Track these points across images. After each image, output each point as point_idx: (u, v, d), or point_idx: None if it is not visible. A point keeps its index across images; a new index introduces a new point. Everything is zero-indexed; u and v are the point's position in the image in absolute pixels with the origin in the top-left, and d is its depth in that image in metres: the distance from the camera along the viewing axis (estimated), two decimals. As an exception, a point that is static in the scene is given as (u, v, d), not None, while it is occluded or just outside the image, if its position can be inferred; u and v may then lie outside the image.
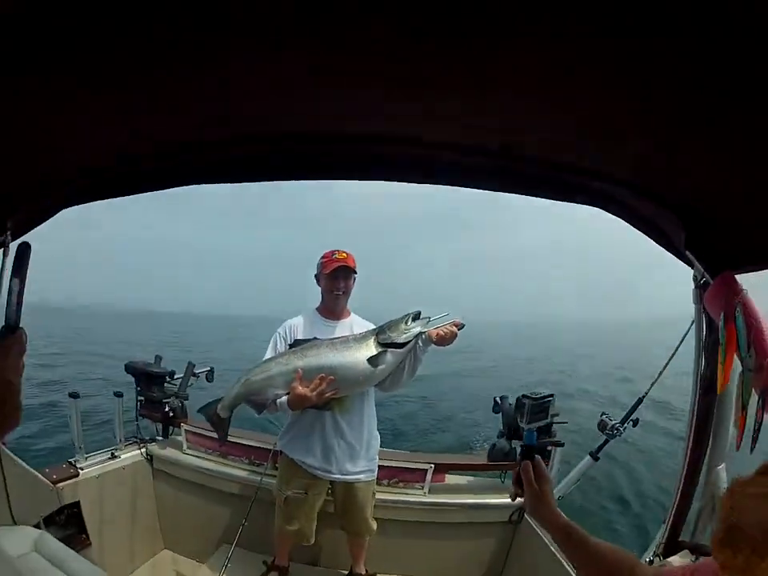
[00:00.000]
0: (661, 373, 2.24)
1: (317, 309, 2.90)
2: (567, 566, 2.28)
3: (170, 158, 1.33)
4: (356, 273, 2.77)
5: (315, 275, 2.83)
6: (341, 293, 2.75)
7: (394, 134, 1.18)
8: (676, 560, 1.75)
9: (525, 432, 1.58)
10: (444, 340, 2.49)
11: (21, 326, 0.76)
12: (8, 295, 0.74)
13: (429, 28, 0.70)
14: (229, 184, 1.53)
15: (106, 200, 1.61)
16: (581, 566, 1.27)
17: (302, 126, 1.16)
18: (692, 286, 1.58)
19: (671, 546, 1.82)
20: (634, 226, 1.45)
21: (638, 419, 2.64)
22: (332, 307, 2.82)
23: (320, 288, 2.84)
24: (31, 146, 1.09)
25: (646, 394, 2.51)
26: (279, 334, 2.83)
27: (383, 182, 1.48)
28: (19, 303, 0.75)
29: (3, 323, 0.74)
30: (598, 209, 1.42)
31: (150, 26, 0.73)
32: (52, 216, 1.61)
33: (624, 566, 1.15)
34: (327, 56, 0.82)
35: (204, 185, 1.56)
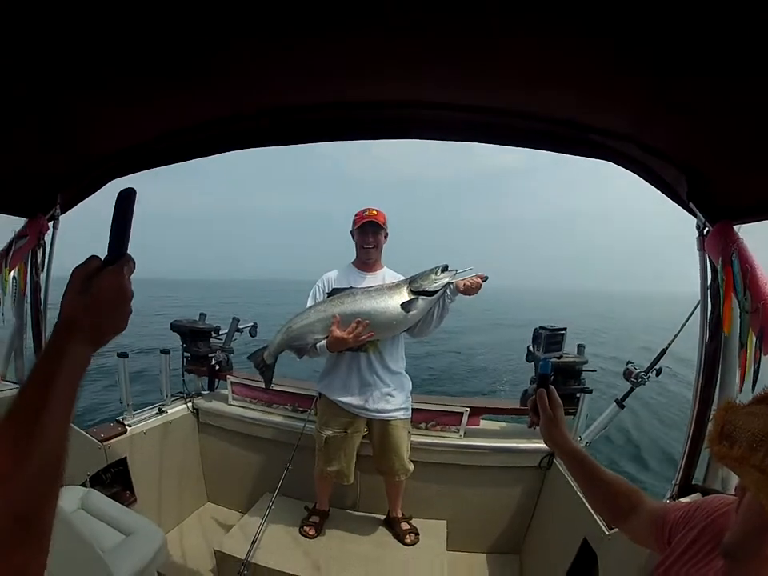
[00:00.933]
0: (683, 325, 2.28)
1: (352, 263, 3.05)
2: (595, 513, 2.36)
3: (204, 131, 1.46)
4: (384, 228, 2.91)
5: (351, 232, 2.97)
6: (371, 246, 2.90)
7: (420, 98, 1.29)
8: (679, 502, 1.81)
9: (540, 362, 1.66)
10: (470, 290, 2.63)
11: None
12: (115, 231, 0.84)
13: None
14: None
15: (148, 170, 1.75)
16: (589, 491, 1.35)
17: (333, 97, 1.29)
18: (696, 234, 1.65)
19: (684, 489, 1.88)
20: (643, 178, 1.54)
21: (661, 368, 2.70)
22: (365, 260, 2.97)
23: (354, 243, 2.99)
24: (79, 127, 1.21)
25: (670, 344, 2.54)
26: (318, 285, 3.01)
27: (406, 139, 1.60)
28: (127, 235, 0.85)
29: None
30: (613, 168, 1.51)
31: (192, 34, 0.86)
32: (99, 188, 1.75)
33: (630, 496, 1.24)
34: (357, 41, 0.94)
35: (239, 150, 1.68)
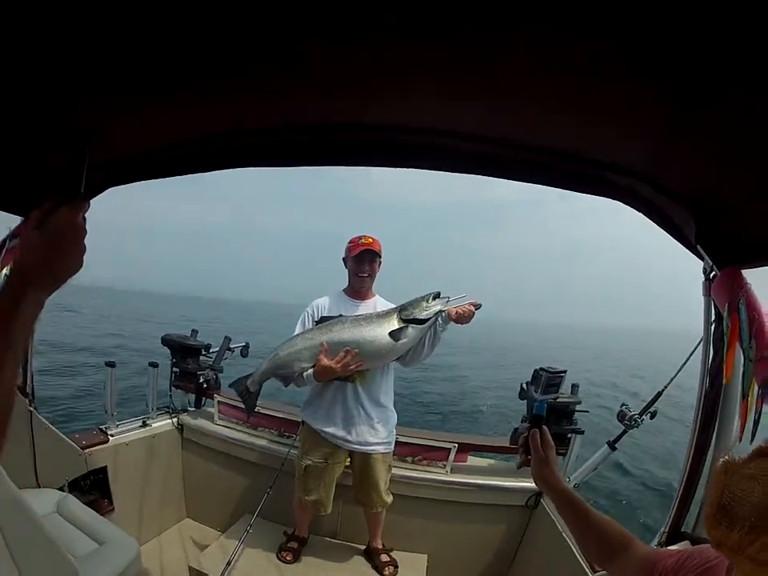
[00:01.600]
0: (680, 368, 2.26)
1: (343, 290, 3.03)
2: (579, 555, 2.32)
3: (208, 144, 1.44)
4: (380, 257, 2.89)
5: (343, 258, 2.96)
6: (366, 275, 2.88)
7: (429, 126, 1.26)
8: (671, 549, 1.78)
9: (536, 402, 1.64)
10: (462, 318, 2.61)
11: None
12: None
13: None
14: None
15: (147, 180, 1.73)
16: (580, 534, 1.31)
17: (332, 118, 1.26)
18: (702, 278, 1.62)
19: (673, 536, 1.85)
20: (650, 219, 1.50)
21: (656, 411, 2.67)
22: (357, 288, 2.95)
23: (347, 270, 2.96)
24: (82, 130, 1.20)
25: (665, 387, 2.52)
26: (307, 312, 2.98)
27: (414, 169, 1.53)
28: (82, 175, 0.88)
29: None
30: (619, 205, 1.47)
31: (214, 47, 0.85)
32: (98, 194, 1.74)
33: (620, 539, 1.20)
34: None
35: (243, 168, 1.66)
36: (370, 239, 2.86)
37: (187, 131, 1.36)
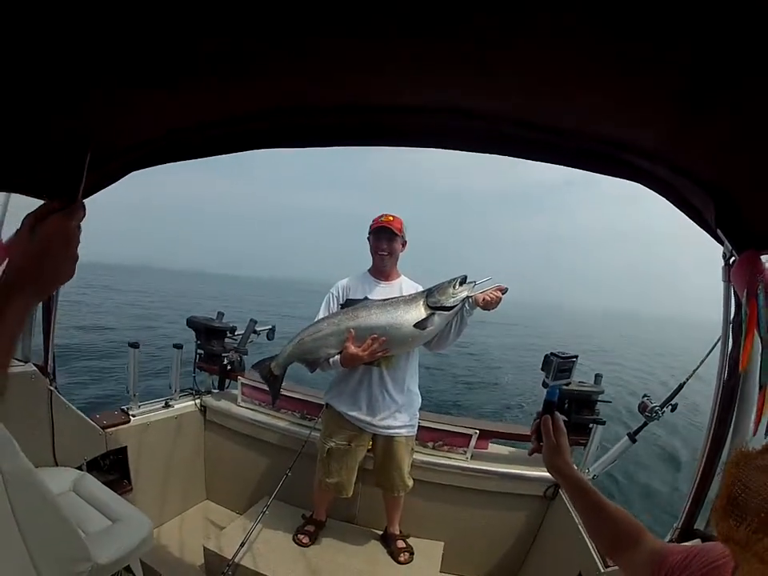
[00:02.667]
0: (703, 360, 2.21)
1: (368, 270, 3.00)
2: (593, 549, 2.30)
3: (230, 126, 1.44)
4: (401, 236, 2.85)
5: (367, 237, 2.93)
6: (385, 254, 2.84)
7: (445, 103, 1.22)
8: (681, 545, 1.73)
9: (548, 388, 1.61)
10: (489, 304, 2.55)
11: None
12: None
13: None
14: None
15: (167, 164, 1.74)
16: (590, 522, 1.29)
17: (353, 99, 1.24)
18: (721, 263, 1.57)
19: (686, 533, 1.81)
20: (670, 201, 1.46)
21: (677, 404, 2.63)
22: (380, 268, 2.92)
23: (370, 248, 2.94)
24: (105, 114, 1.21)
25: (687, 379, 2.49)
26: (332, 293, 2.95)
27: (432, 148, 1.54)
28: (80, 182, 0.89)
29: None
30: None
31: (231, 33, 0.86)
32: (120, 178, 1.75)
33: (631, 531, 1.17)
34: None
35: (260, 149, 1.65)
36: (390, 217, 2.82)
37: (193, 116, 1.36)
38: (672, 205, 1.47)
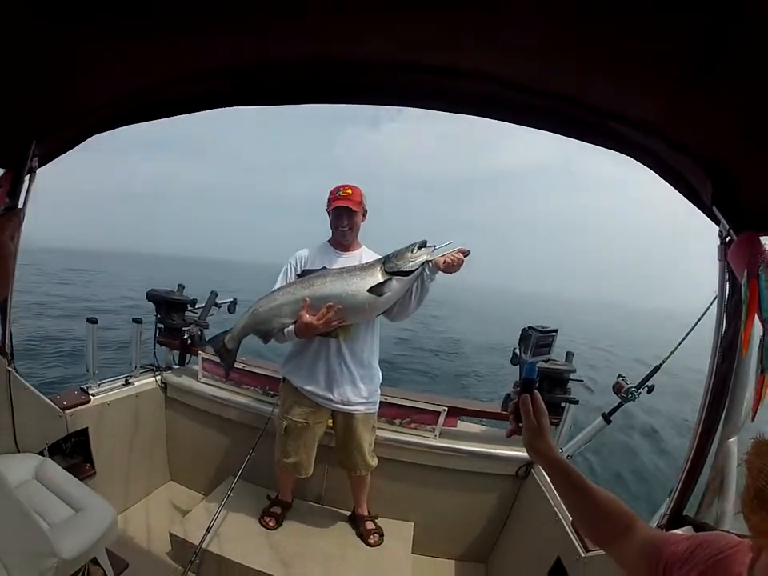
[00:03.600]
0: (681, 341, 2.18)
1: (328, 241, 2.88)
2: (569, 528, 2.28)
3: (196, 84, 1.31)
4: (359, 210, 2.73)
5: (326, 209, 2.79)
6: (345, 229, 2.73)
7: (432, 62, 1.15)
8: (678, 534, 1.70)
9: (526, 365, 1.51)
10: (451, 267, 2.44)
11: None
12: None
13: None
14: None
15: (129, 125, 1.60)
16: (576, 508, 1.21)
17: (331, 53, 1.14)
18: (717, 242, 1.51)
19: (675, 519, 1.76)
20: (663, 178, 1.41)
21: (653, 386, 2.61)
22: (340, 241, 2.81)
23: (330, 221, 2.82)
24: (60, 77, 1.09)
25: (664, 361, 2.49)
26: (290, 263, 2.83)
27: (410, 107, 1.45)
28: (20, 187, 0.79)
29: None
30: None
31: None
32: (81, 142, 1.61)
33: (622, 518, 1.11)
34: None
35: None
36: (349, 191, 2.68)
37: (152, 74, 1.23)
38: (665, 182, 1.41)
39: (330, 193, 2.73)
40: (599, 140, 1.37)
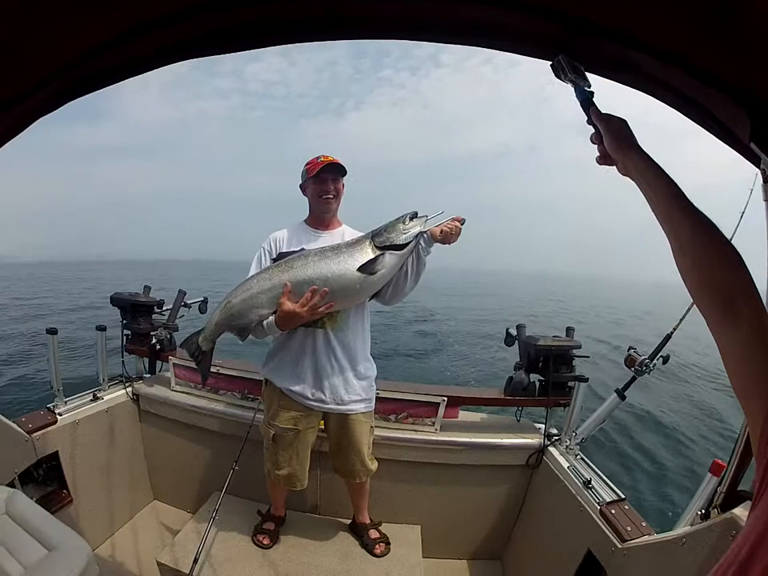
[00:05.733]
0: (691, 306, 2.01)
1: (304, 220, 2.61)
2: (592, 512, 2.15)
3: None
4: (346, 173, 2.47)
5: (300, 185, 2.54)
6: (331, 196, 2.46)
7: None
8: (739, 511, 1.51)
9: (576, 91, 1.26)
10: (449, 236, 2.21)
11: None
12: None
13: None
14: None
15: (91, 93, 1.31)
16: (681, 227, 0.87)
17: None
18: (760, 181, 1.28)
19: (730, 497, 1.61)
20: (687, 116, 1.15)
21: (668, 355, 2.48)
22: (321, 215, 2.53)
23: (307, 198, 2.55)
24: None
25: (675, 328, 2.39)
26: (263, 248, 2.54)
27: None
28: None
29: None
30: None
31: None
32: (25, 128, 1.33)
33: (741, 264, 0.77)
34: None
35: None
36: (329, 156, 2.43)
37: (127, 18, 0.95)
38: (690, 119, 1.16)
39: (308, 164, 2.46)
40: (601, 70, 1.12)
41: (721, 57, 0.91)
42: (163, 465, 3.46)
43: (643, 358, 2.47)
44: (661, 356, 2.47)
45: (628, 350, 2.57)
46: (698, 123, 1.15)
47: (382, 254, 2.17)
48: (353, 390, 2.47)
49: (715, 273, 0.79)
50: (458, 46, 1.13)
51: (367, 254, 2.18)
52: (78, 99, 1.21)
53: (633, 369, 2.51)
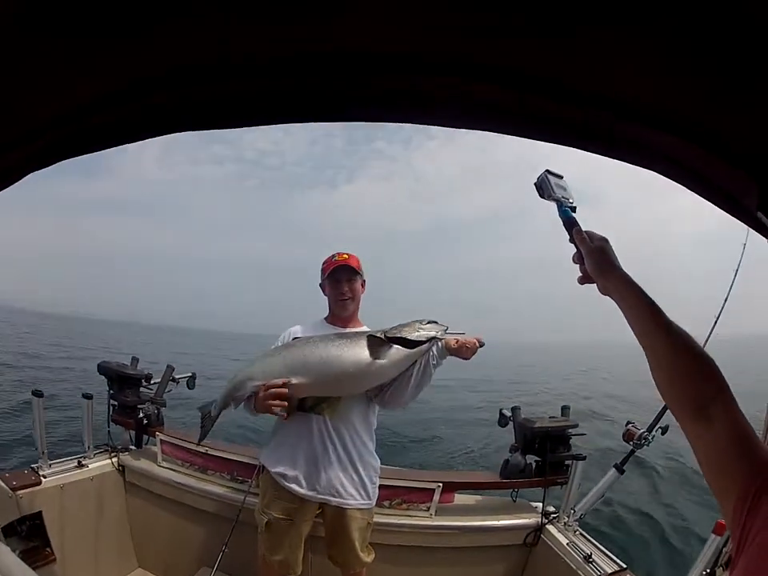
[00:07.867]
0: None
1: (324, 318, 2.60)
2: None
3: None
4: (361, 275, 2.48)
5: (320, 284, 2.55)
6: (347, 298, 2.45)
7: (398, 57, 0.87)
8: None
9: (560, 211, 1.27)
10: (464, 350, 2.18)
11: None
12: None
13: None
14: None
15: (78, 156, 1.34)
16: (656, 347, 0.94)
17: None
18: (752, 237, 1.33)
19: None
20: (693, 190, 1.17)
21: (667, 426, 2.48)
22: (339, 314, 2.52)
23: (327, 297, 2.56)
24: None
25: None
26: (278, 342, 2.53)
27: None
28: None
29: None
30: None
31: None
32: (15, 181, 1.35)
33: (714, 371, 0.86)
34: None
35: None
36: (345, 255, 2.45)
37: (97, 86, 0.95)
38: (695, 194, 1.19)
39: (324, 262, 2.49)
40: (623, 154, 1.15)
41: (733, 129, 0.95)
42: (148, 535, 3.37)
43: (642, 431, 2.49)
44: (659, 427, 2.48)
45: (626, 425, 2.61)
46: (703, 196, 1.18)
47: (389, 345, 2.16)
48: (349, 483, 2.37)
49: (687, 385, 0.88)
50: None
51: (374, 340, 2.18)
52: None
53: (632, 443, 2.53)
